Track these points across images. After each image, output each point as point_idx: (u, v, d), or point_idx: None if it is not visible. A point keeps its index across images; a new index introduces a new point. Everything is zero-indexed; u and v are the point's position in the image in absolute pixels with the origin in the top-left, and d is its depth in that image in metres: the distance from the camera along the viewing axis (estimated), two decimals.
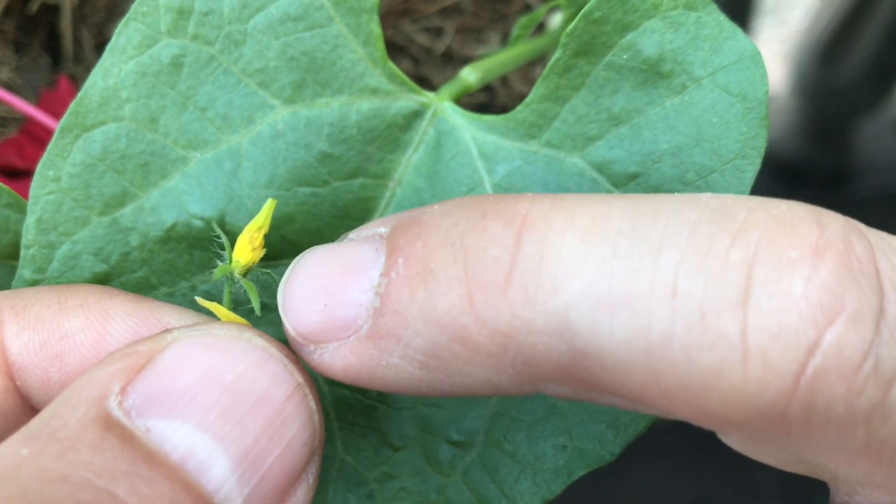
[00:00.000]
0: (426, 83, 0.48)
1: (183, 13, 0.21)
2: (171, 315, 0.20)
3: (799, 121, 0.94)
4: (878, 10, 0.84)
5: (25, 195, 0.23)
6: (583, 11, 0.21)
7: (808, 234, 0.15)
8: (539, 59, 0.44)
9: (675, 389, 0.15)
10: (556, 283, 0.16)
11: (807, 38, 0.92)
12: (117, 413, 0.16)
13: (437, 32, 0.48)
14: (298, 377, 0.18)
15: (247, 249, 0.20)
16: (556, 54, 0.22)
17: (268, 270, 0.22)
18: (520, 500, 0.23)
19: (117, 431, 0.16)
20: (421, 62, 0.48)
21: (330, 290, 0.18)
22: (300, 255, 0.19)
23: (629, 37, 0.21)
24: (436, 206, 0.18)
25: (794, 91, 0.93)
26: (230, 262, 0.20)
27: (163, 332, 0.18)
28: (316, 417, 0.18)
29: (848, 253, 0.15)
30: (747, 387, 0.15)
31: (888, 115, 0.93)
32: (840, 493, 0.17)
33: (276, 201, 0.21)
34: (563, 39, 0.22)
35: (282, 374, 0.18)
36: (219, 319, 0.20)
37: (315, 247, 0.19)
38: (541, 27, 0.46)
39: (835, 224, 0.15)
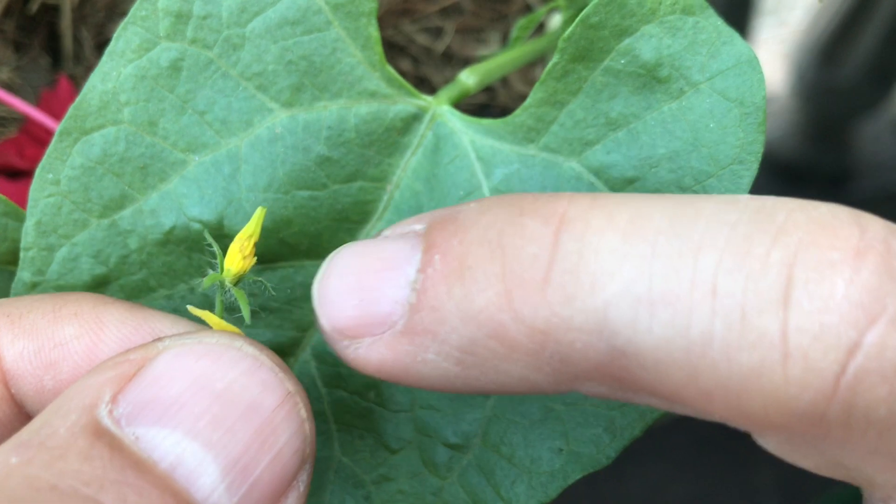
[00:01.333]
0: (426, 83, 0.48)
1: (181, 17, 0.22)
2: (164, 323, 0.20)
3: (799, 121, 0.94)
4: (878, 10, 0.84)
5: (25, 195, 0.23)
6: (580, 16, 0.21)
7: (849, 236, 0.15)
8: (539, 60, 0.44)
9: (714, 389, 0.15)
10: (595, 281, 0.16)
11: (807, 38, 0.92)
12: (107, 421, 0.16)
13: (437, 32, 0.48)
14: (289, 385, 0.18)
15: (237, 258, 0.20)
16: (554, 59, 0.22)
17: (259, 279, 0.22)
18: (516, 503, 0.23)
19: (106, 440, 0.16)
20: (421, 62, 0.48)
21: (365, 286, 0.18)
22: (335, 251, 0.19)
23: (627, 42, 0.21)
24: (472, 204, 0.18)
25: (794, 91, 0.93)
26: (221, 270, 0.20)
27: (154, 340, 0.18)
28: (307, 426, 0.18)
29: (888, 255, 0.15)
30: (787, 387, 0.15)
31: (888, 115, 0.93)
32: (874, 499, 0.17)
33: (265, 209, 0.21)
34: (560, 44, 0.22)
35: (272, 382, 0.17)
36: (211, 328, 0.20)
37: (350, 243, 0.19)
38: (541, 27, 0.46)
39: (875, 226, 0.15)
